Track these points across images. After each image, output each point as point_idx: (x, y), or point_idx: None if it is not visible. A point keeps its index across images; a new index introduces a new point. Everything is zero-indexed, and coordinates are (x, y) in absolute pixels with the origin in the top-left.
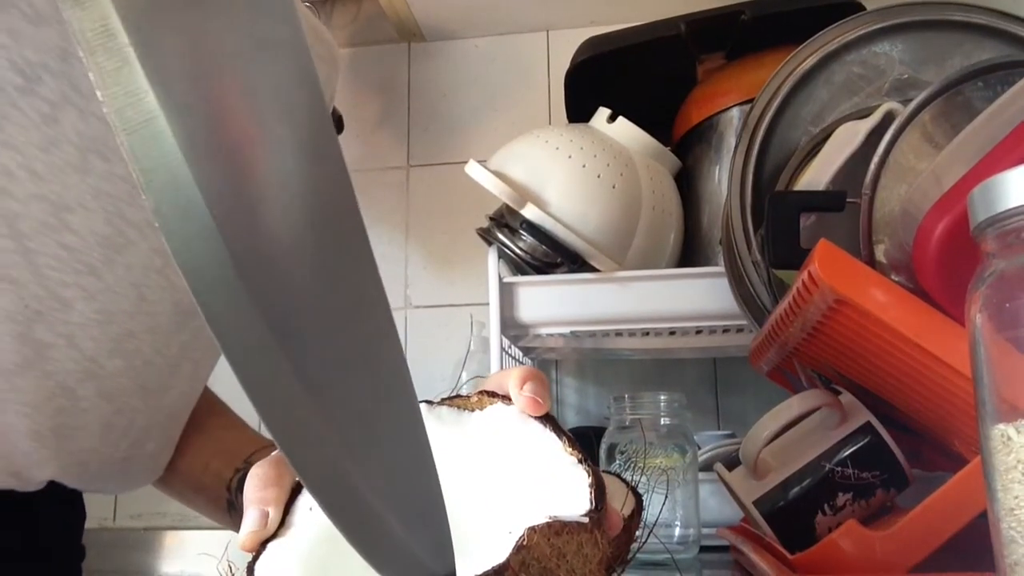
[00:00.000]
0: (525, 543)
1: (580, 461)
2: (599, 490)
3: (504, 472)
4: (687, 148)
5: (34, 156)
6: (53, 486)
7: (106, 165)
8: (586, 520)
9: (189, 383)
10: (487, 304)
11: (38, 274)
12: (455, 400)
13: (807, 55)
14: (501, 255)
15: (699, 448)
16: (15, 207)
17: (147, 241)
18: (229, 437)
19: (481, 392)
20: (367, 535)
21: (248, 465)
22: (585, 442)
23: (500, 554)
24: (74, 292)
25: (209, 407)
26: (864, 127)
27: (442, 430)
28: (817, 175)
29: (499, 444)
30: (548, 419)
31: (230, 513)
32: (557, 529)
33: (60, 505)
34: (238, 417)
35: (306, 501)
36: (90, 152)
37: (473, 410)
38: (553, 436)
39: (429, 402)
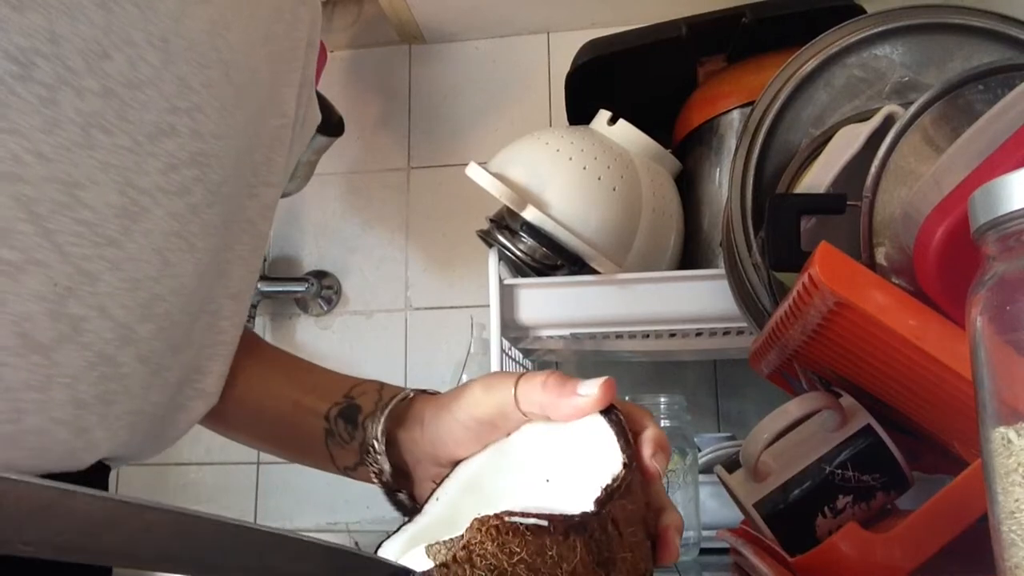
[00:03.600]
0: (467, 542)
1: (625, 465)
2: (607, 495)
3: (560, 472)
4: (687, 150)
5: (39, 139)
6: (88, 479)
7: (109, 138)
8: (544, 523)
9: (208, 335)
10: (487, 306)
11: (61, 252)
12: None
13: (808, 58)
14: (501, 257)
15: (699, 450)
16: (29, 191)
17: (161, 207)
18: (315, 377)
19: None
20: None
21: (350, 400)
22: None
23: None
24: (98, 265)
25: (276, 355)
26: (865, 130)
27: (492, 460)
28: (818, 178)
29: (585, 448)
30: (613, 420)
31: (327, 441)
32: (507, 529)
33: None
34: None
35: (437, 492)
36: (92, 127)
37: (508, 435)
38: (612, 435)
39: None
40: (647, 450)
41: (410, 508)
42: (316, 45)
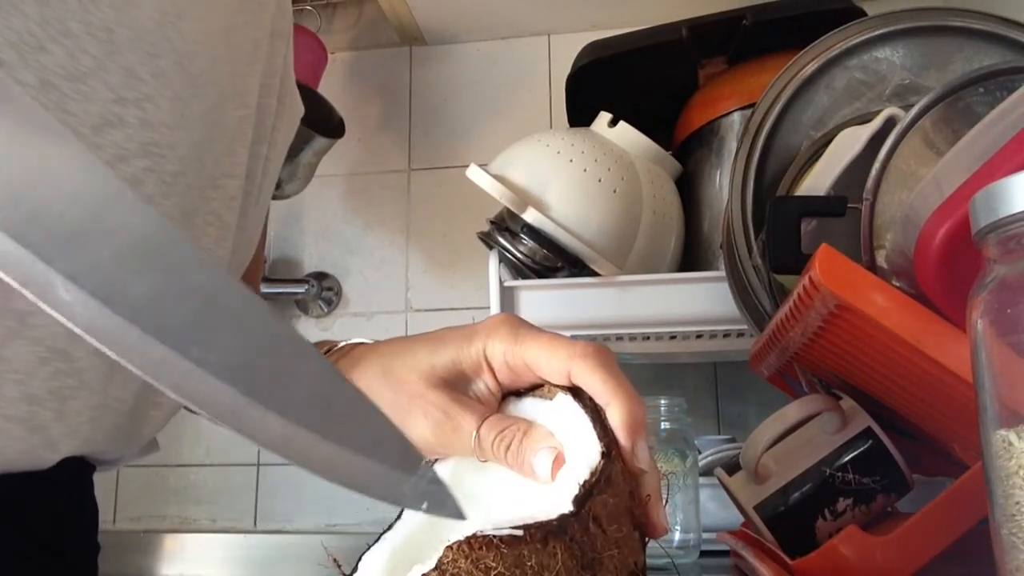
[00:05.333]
0: (440, 562)
1: (604, 454)
2: (587, 491)
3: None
4: (688, 152)
5: None
6: (64, 479)
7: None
8: (519, 532)
9: None
10: (488, 308)
11: None
12: (536, 391)
13: (808, 60)
14: (502, 259)
15: (700, 453)
16: None
17: None
18: None
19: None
20: (333, 472)
21: None
22: None
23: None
24: None
25: None
26: (865, 132)
27: (468, 457)
28: (818, 180)
29: (564, 435)
30: (588, 405)
31: None
32: (479, 544)
33: (73, 499)
34: None
35: None
36: None
37: (551, 399)
38: (588, 422)
39: (518, 393)
40: (625, 439)
41: None
42: (284, 35)
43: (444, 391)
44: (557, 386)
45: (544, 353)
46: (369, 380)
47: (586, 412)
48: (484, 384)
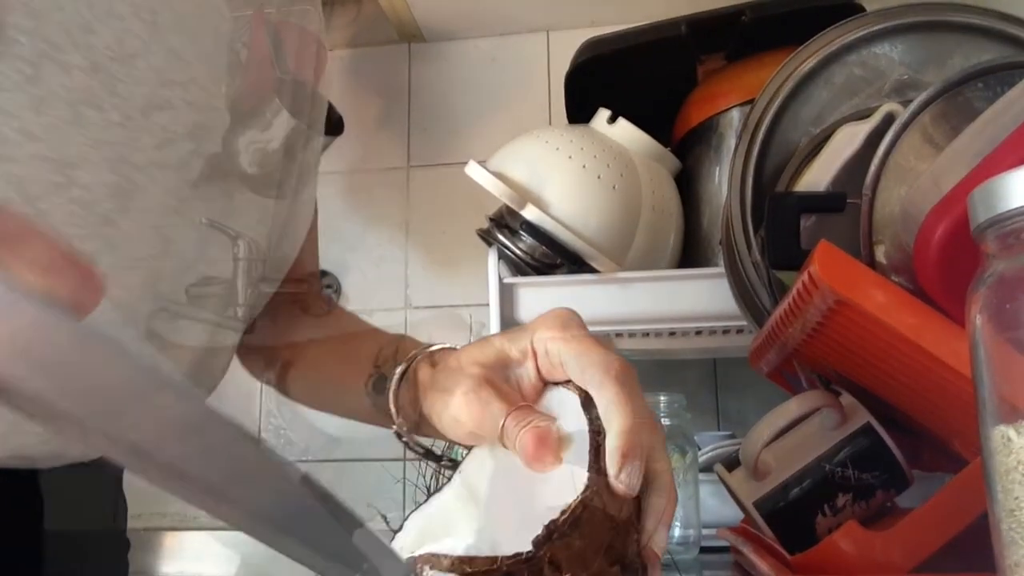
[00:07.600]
0: None
1: (587, 487)
2: (547, 535)
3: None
4: (687, 149)
5: (27, 119)
6: (94, 476)
7: (100, 115)
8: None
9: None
10: (487, 305)
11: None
12: (570, 383)
13: (807, 56)
14: (501, 256)
15: (699, 449)
16: (19, 171)
17: (157, 184)
18: (352, 348)
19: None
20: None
21: (378, 370)
22: None
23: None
24: (95, 244)
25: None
26: (864, 128)
27: (566, 412)
28: (817, 176)
29: (575, 439)
30: (593, 427)
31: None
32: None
33: (104, 497)
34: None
35: (456, 472)
36: (81, 104)
37: (579, 396)
38: (586, 447)
39: (557, 383)
40: (611, 466)
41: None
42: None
43: (485, 381)
44: (580, 390)
45: (573, 355)
46: (444, 376)
47: (589, 431)
48: (526, 372)
